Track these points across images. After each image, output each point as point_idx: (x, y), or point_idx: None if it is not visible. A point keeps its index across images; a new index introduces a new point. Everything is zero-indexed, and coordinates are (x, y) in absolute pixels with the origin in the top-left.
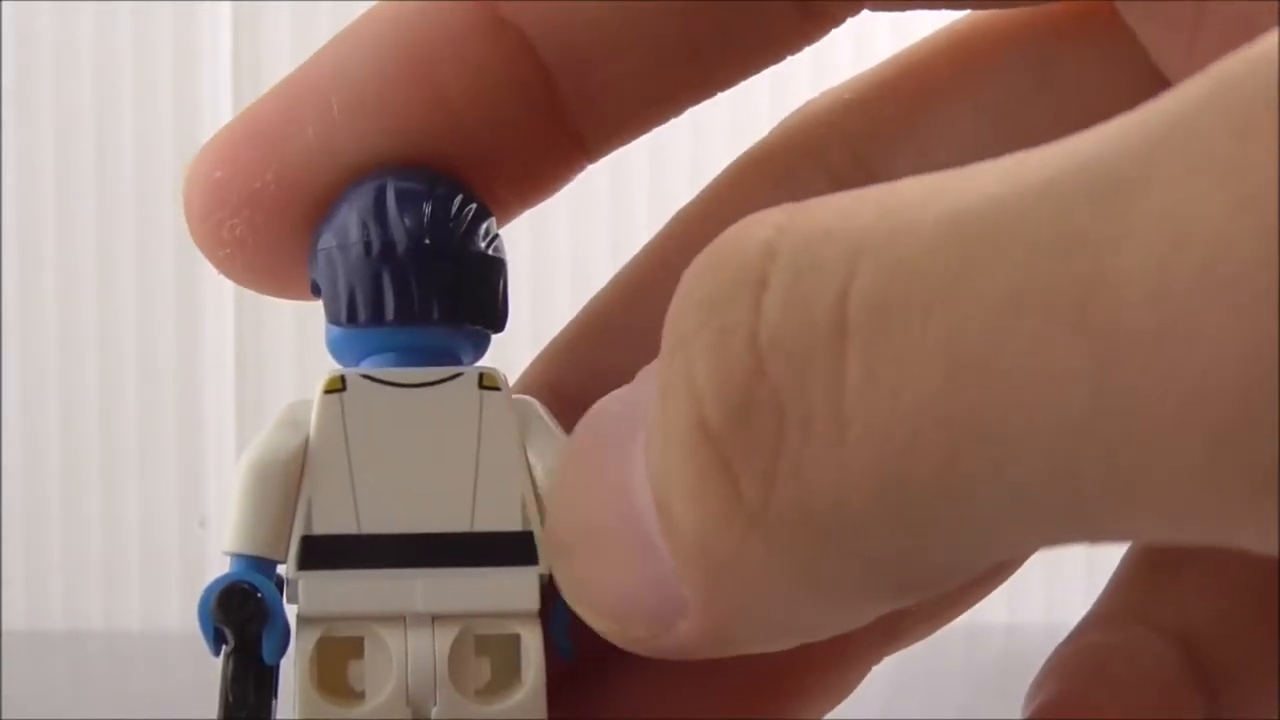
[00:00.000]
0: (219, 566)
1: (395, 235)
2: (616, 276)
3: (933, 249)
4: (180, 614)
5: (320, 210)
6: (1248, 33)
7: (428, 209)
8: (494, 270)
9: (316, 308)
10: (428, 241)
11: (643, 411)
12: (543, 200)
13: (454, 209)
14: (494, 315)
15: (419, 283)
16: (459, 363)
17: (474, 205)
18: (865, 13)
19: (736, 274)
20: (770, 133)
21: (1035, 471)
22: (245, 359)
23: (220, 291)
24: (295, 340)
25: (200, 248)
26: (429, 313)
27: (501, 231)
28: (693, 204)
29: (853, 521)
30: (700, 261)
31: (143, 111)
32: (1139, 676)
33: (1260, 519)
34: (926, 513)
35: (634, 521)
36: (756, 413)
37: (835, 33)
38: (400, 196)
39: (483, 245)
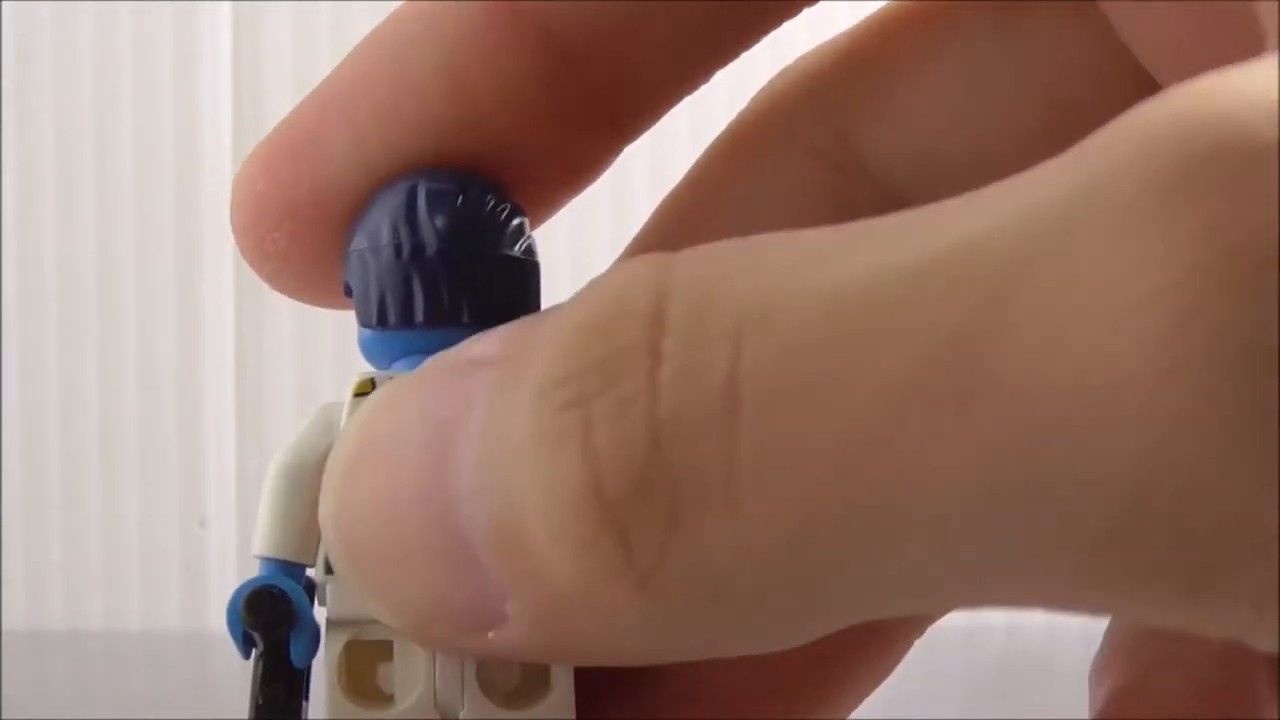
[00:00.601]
0: (219, 567)
1: (425, 237)
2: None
3: (816, 333)
4: (180, 614)
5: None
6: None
7: (459, 210)
8: (526, 272)
9: (316, 309)
10: (458, 243)
11: (473, 396)
12: (583, 189)
13: (485, 210)
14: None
15: (449, 285)
16: None
17: (506, 206)
18: None
19: (628, 340)
20: (743, 113)
21: (924, 558)
22: (245, 359)
23: (220, 292)
24: (295, 340)
25: (248, 263)
26: (459, 315)
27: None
28: (676, 194)
29: (746, 589)
30: (587, 316)
31: (143, 111)
32: (1204, 660)
33: (1149, 608)
34: (820, 586)
35: (451, 531)
36: (653, 487)
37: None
38: (431, 198)
39: (515, 247)
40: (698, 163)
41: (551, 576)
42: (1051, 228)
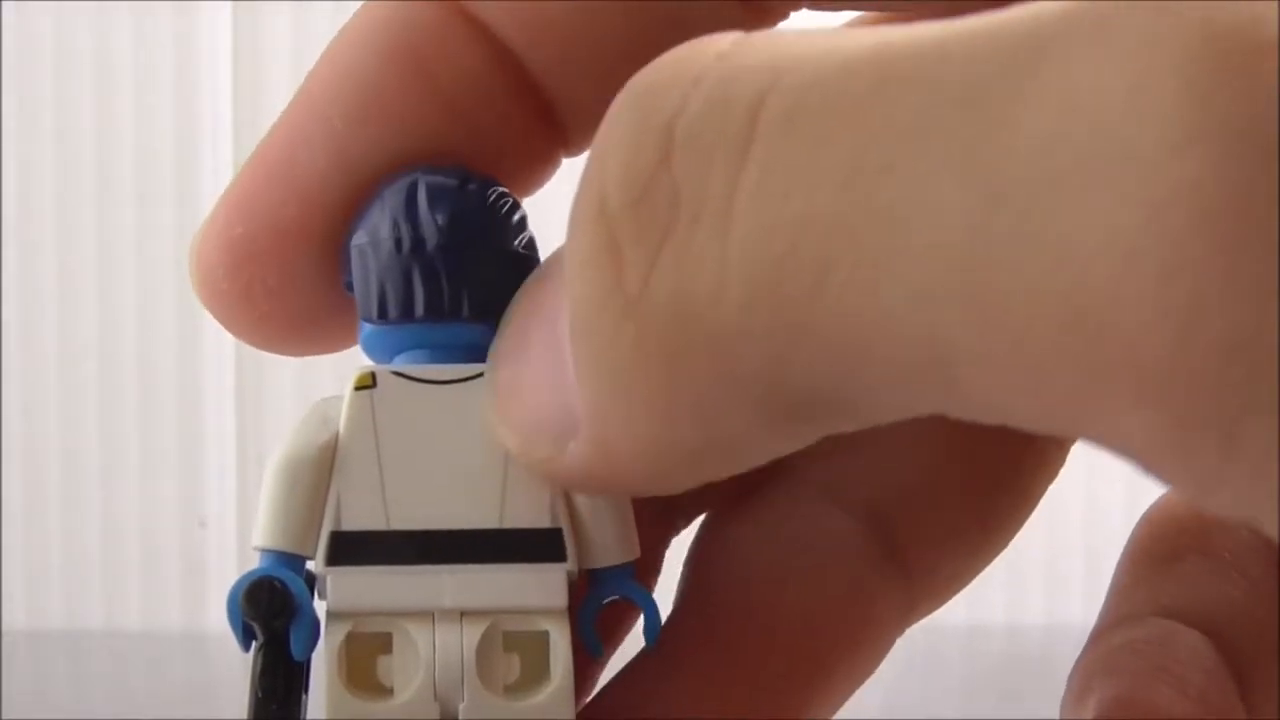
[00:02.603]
0: (219, 566)
1: (426, 232)
2: None
3: (848, 72)
4: (180, 614)
5: (347, 229)
6: None
7: (459, 205)
8: (526, 266)
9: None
10: (458, 238)
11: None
12: (531, 193)
13: (485, 205)
14: None
15: (449, 279)
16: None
17: (507, 201)
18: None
19: (677, 69)
20: None
21: (900, 308)
22: (245, 359)
23: None
24: None
25: (229, 319)
26: (459, 309)
27: None
28: None
29: (723, 320)
30: (654, 62)
31: (143, 111)
32: (1187, 670)
33: (1110, 408)
34: (795, 322)
35: (554, 341)
36: (653, 198)
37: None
38: (431, 192)
39: (515, 242)
40: None
41: (574, 311)
42: (1076, 16)
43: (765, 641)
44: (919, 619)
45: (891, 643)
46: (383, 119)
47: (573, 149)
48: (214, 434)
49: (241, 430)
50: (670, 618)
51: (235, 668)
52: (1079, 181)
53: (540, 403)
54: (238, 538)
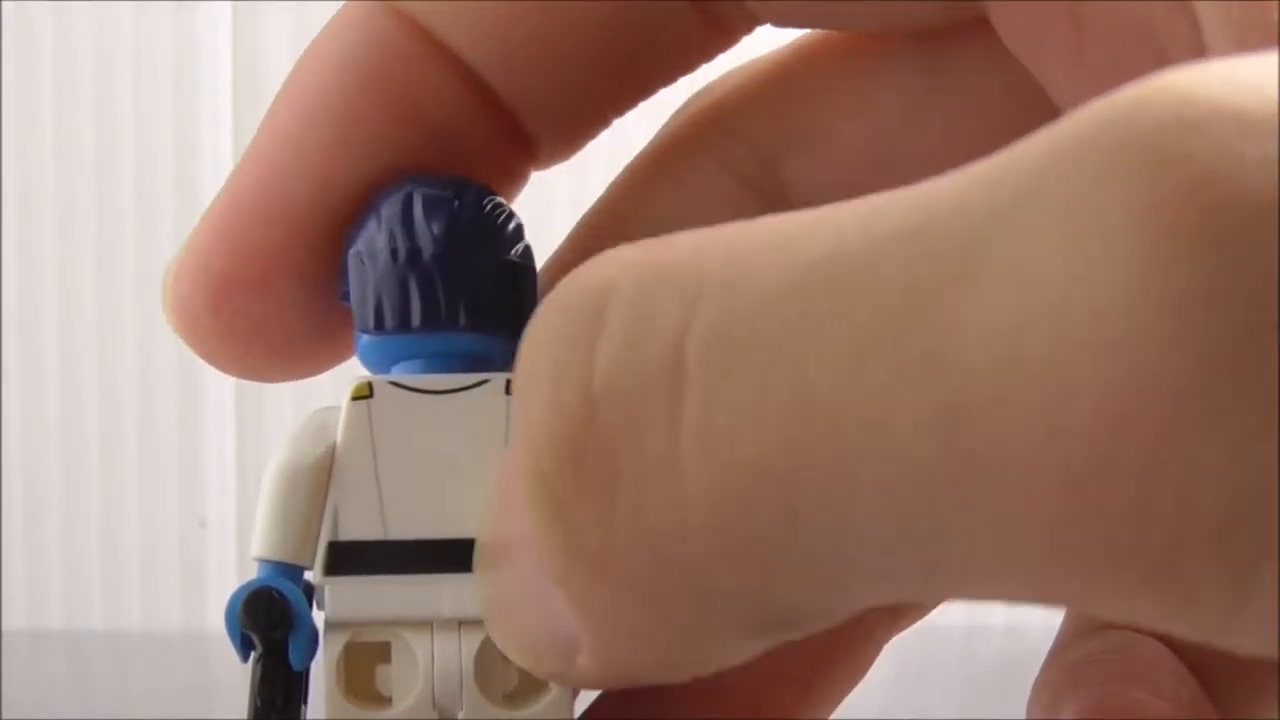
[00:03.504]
0: (219, 567)
1: (422, 242)
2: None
3: (778, 296)
4: (180, 614)
5: (333, 247)
6: (1133, 45)
7: (454, 215)
8: (522, 276)
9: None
10: (454, 248)
11: None
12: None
13: (481, 215)
14: (522, 321)
15: (446, 288)
16: (488, 369)
17: (502, 211)
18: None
19: (575, 315)
20: (663, 133)
21: (878, 527)
22: None
23: None
24: None
25: (211, 354)
26: (455, 319)
27: None
28: (590, 218)
29: (697, 563)
30: (548, 300)
31: (143, 111)
32: (1156, 672)
33: (1114, 592)
34: (770, 558)
35: (535, 554)
36: (590, 457)
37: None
38: (427, 203)
39: (510, 251)
40: (614, 184)
41: (547, 570)
42: (1016, 189)
43: None
44: (908, 625)
45: (880, 647)
46: (354, 146)
47: (541, 163)
48: (214, 434)
49: (241, 431)
50: None
51: (235, 668)
52: (1040, 383)
53: (537, 625)
54: (237, 538)
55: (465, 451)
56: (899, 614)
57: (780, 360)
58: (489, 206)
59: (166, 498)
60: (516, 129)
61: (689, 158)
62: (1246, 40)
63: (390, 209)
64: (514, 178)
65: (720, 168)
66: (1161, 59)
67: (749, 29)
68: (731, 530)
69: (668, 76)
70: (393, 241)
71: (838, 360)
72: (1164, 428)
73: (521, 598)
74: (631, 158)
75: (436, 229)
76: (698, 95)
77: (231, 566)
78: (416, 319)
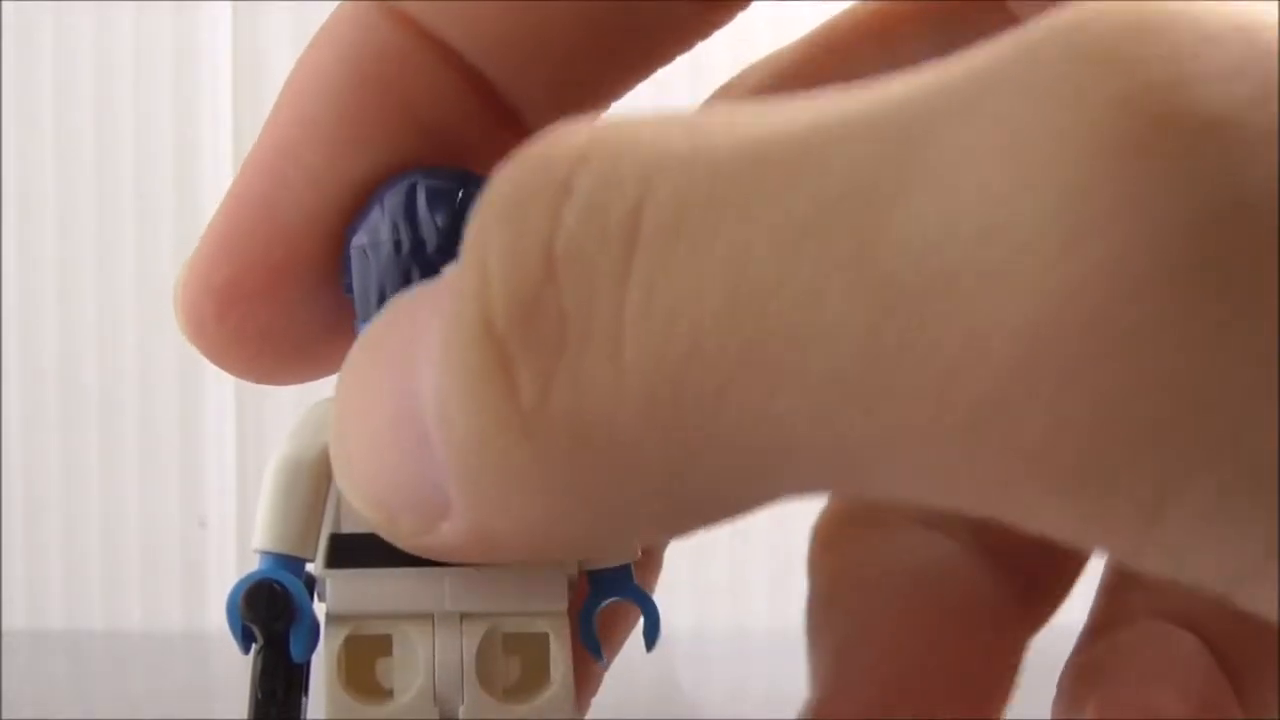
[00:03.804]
0: (219, 567)
1: (425, 233)
2: None
3: (727, 173)
4: (180, 614)
5: (337, 247)
6: None
7: (458, 207)
8: None
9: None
10: (458, 239)
11: (437, 303)
12: None
13: None
14: None
15: None
16: None
17: None
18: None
19: (543, 177)
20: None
21: (802, 412)
22: None
23: None
24: None
25: (221, 360)
26: None
27: None
28: None
29: (622, 436)
30: (511, 162)
31: (142, 112)
32: (1185, 672)
33: (1024, 500)
34: (695, 435)
35: (411, 414)
36: (542, 316)
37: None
38: (430, 195)
39: None
40: None
41: (457, 429)
42: (961, 91)
43: (913, 683)
44: (1040, 626)
45: (1023, 651)
46: (353, 147)
47: None
48: (214, 434)
49: (241, 430)
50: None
51: (235, 668)
52: (971, 284)
53: (401, 481)
54: (238, 538)
55: None
56: (1033, 618)
57: (724, 233)
58: None
59: (167, 498)
60: (516, 121)
61: None
62: None
63: (393, 201)
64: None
65: None
66: None
67: (744, 2)
68: (662, 403)
69: (664, 56)
70: (396, 233)
71: (773, 244)
72: (1093, 335)
73: (387, 449)
74: None
75: (440, 221)
76: (725, 83)
77: (232, 567)
78: None
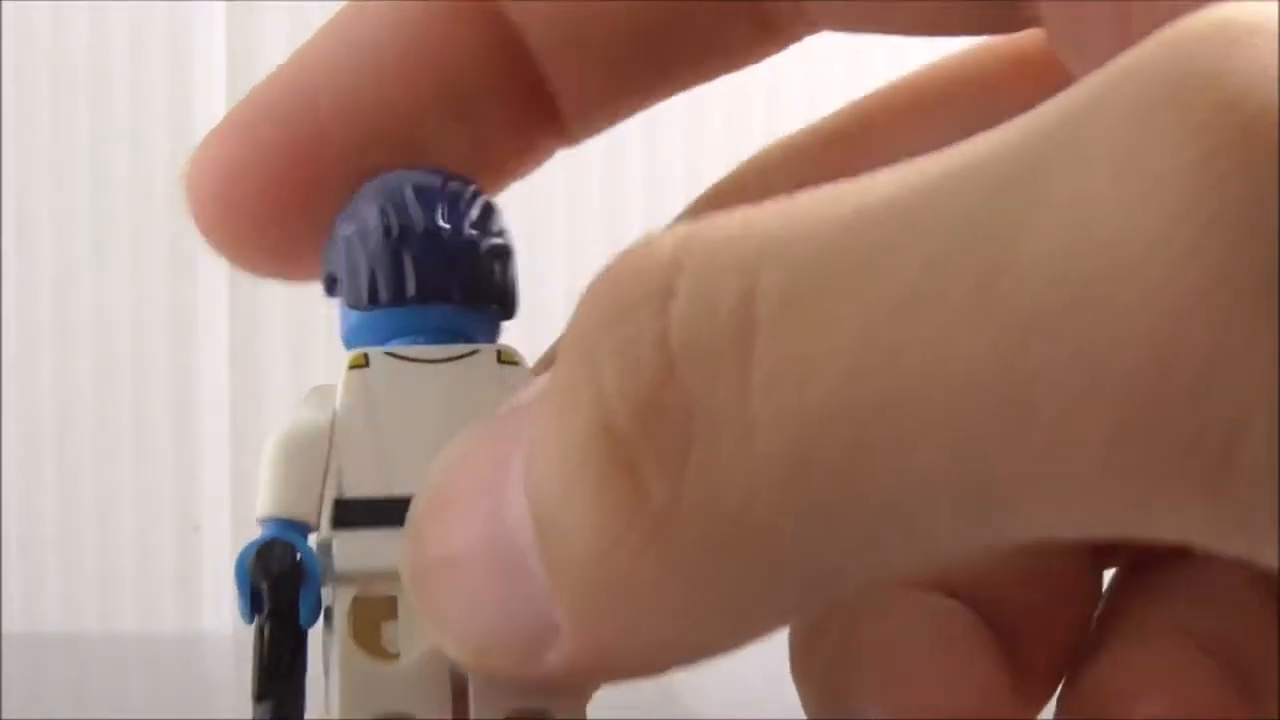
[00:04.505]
0: (214, 570)
1: (414, 219)
2: None
3: (837, 245)
4: (175, 617)
5: (339, 176)
6: None
7: (443, 198)
8: (506, 258)
9: (312, 312)
10: (445, 225)
11: (521, 430)
12: (510, 183)
13: (466, 199)
14: (509, 300)
15: (438, 263)
16: (474, 344)
17: (484, 199)
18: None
19: (643, 284)
20: (719, 185)
21: (942, 458)
22: (240, 362)
23: (215, 294)
24: (290, 345)
25: (214, 230)
26: (449, 292)
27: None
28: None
29: (759, 519)
30: (601, 279)
31: (137, 110)
32: (1212, 702)
33: (1168, 506)
34: (833, 504)
35: (503, 542)
36: (666, 413)
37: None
38: (416, 188)
39: (496, 237)
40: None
41: (573, 543)
42: (1065, 126)
43: None
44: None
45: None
46: (385, 81)
47: (565, 140)
48: (209, 438)
49: (236, 434)
50: None
51: (231, 669)
52: (1098, 302)
53: (501, 622)
54: (232, 542)
55: (465, 410)
56: (1029, 697)
57: (841, 306)
58: (471, 192)
59: (162, 502)
60: (548, 103)
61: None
62: None
63: (380, 191)
64: (536, 152)
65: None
66: None
67: (799, 35)
68: (799, 478)
69: (711, 71)
70: (385, 219)
71: (895, 303)
72: (1213, 348)
73: (486, 586)
74: (627, 159)
75: (427, 208)
76: (752, 155)
77: (226, 569)
78: (412, 289)
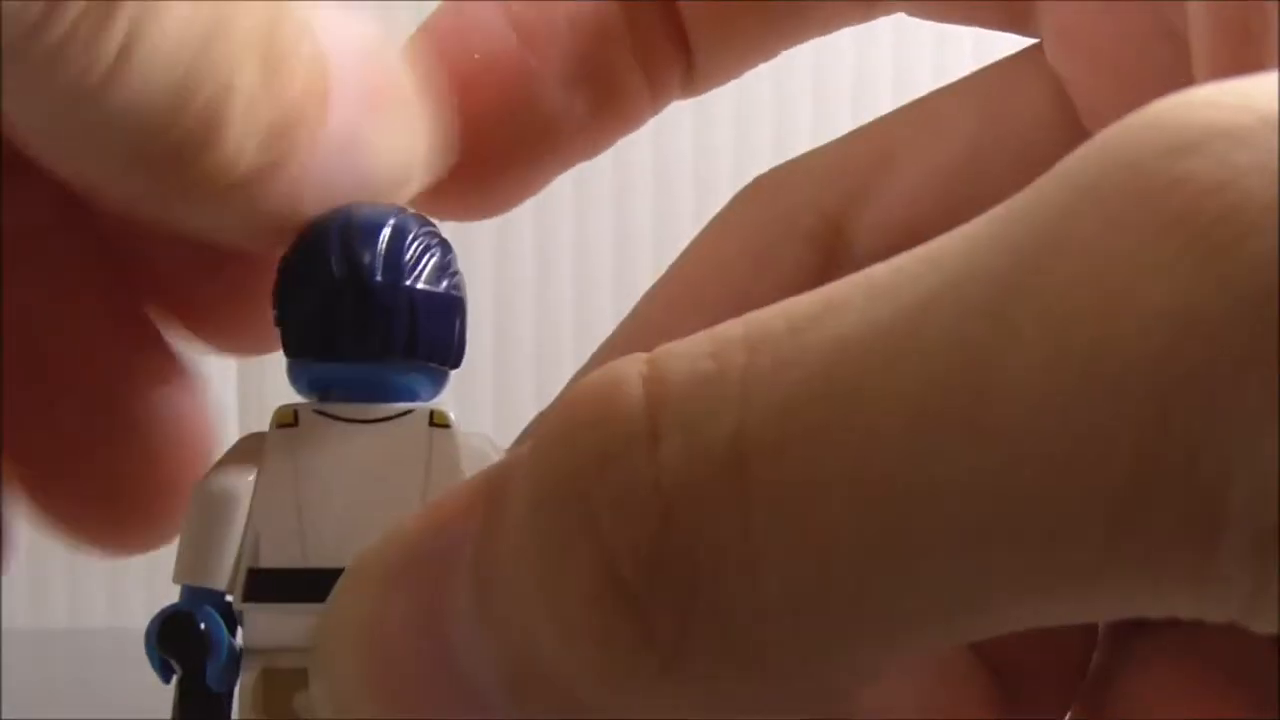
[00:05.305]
0: None
1: (350, 271)
2: (594, 354)
3: (821, 377)
4: None
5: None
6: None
7: (383, 247)
8: (450, 308)
9: None
10: (381, 279)
11: (459, 553)
12: (628, 131)
13: (410, 247)
14: (448, 353)
15: (372, 320)
16: (415, 398)
17: (434, 242)
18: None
19: (625, 427)
20: (730, 206)
21: (947, 576)
22: (248, 364)
23: None
24: None
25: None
26: (381, 350)
27: (462, 266)
28: (667, 281)
29: (768, 645)
30: (569, 418)
31: None
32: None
33: (1154, 596)
34: (842, 625)
35: (456, 684)
36: (670, 559)
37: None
38: (363, 231)
39: (440, 283)
40: (685, 256)
41: (579, 684)
42: (1041, 241)
43: None
44: None
45: None
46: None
47: (694, 90)
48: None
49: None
50: None
51: None
52: (1091, 398)
53: None
54: None
55: (387, 481)
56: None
57: (833, 441)
58: (423, 237)
59: None
60: (679, 40)
61: (760, 229)
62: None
63: (325, 236)
64: (659, 102)
65: (789, 231)
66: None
67: (886, 11)
68: (805, 611)
69: (823, 26)
70: (322, 269)
71: (887, 433)
72: (1209, 418)
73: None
74: (633, 178)
75: (368, 258)
76: (757, 178)
77: None
78: (342, 349)
